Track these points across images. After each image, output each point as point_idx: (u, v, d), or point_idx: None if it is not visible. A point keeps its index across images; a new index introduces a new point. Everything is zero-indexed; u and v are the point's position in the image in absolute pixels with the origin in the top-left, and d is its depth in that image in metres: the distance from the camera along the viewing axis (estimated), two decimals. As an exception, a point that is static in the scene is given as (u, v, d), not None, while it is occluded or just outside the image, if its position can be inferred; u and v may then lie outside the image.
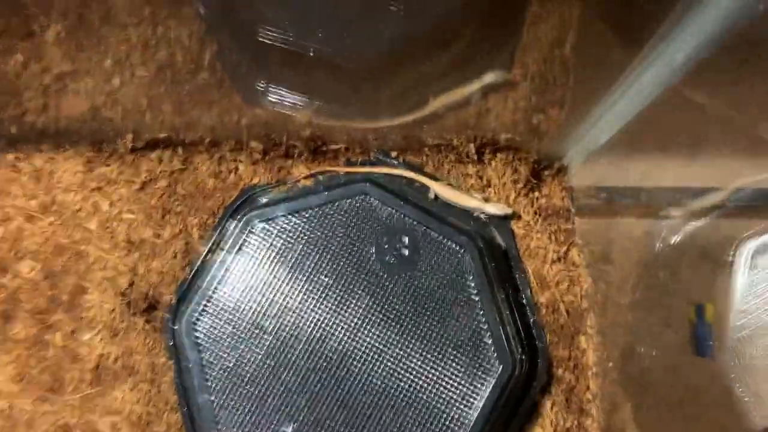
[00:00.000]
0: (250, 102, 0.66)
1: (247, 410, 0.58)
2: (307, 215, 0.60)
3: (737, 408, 0.66)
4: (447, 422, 0.57)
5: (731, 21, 0.39)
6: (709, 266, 0.67)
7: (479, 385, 0.57)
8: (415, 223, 0.60)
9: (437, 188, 0.64)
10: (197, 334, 0.59)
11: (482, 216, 0.64)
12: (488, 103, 0.65)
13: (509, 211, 0.63)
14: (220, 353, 0.59)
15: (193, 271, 0.63)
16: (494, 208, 0.63)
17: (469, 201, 0.63)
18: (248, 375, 0.58)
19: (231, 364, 0.58)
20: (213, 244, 0.63)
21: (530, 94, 0.66)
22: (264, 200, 0.63)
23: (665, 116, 0.57)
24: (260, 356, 0.58)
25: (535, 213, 0.66)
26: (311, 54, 0.60)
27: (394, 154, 0.66)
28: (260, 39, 0.60)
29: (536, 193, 0.67)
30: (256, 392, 0.58)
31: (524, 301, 0.63)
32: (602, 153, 0.65)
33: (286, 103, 0.65)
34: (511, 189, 0.66)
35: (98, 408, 0.63)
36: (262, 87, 0.65)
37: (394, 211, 0.60)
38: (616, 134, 0.59)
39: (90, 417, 0.63)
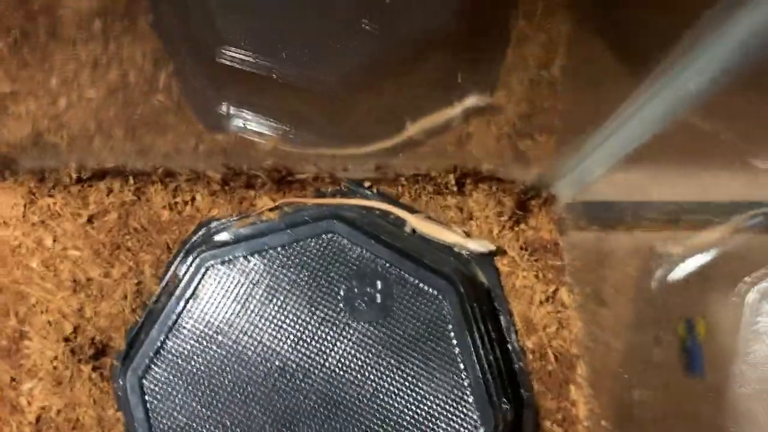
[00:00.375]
0: (211, 127, 0.60)
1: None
2: (268, 256, 0.54)
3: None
4: (423, 487, 0.51)
5: (755, 45, 0.34)
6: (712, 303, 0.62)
7: (458, 447, 0.52)
8: (387, 265, 0.54)
9: (414, 222, 0.58)
10: (146, 389, 0.53)
11: (464, 252, 0.58)
12: (470, 128, 0.60)
13: (492, 247, 0.57)
14: (171, 410, 0.53)
15: (145, 315, 0.57)
16: (476, 245, 0.57)
17: (449, 236, 0.58)
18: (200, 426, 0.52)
19: (182, 423, 0.52)
20: (167, 285, 0.58)
21: (515, 118, 0.61)
22: (222, 237, 0.57)
23: (671, 146, 0.52)
24: (215, 414, 0.52)
25: (521, 248, 0.61)
26: (274, 77, 0.54)
27: (367, 184, 0.60)
28: (219, 60, 0.54)
29: (522, 225, 0.62)
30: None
31: (509, 346, 0.58)
32: (596, 183, 0.60)
33: (251, 129, 0.59)
34: (494, 222, 0.60)
35: (38, 466, 0.57)
36: (223, 111, 0.60)
37: (364, 251, 0.54)
38: (613, 165, 0.54)
39: (29, 476, 0.57)
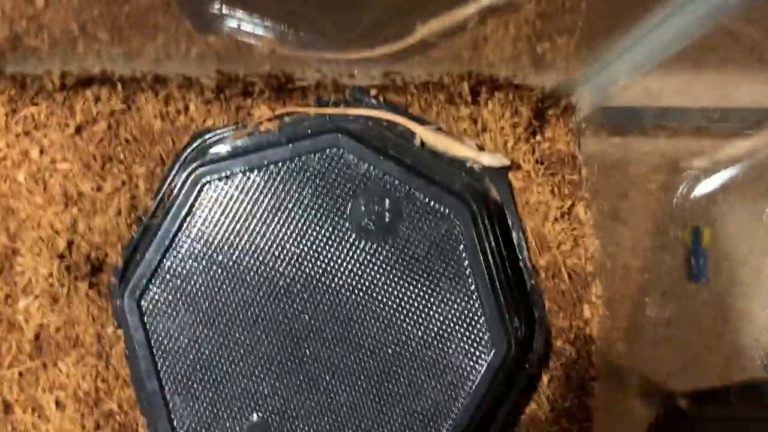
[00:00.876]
0: (202, 28, 0.55)
1: (203, 398, 0.51)
2: (269, 172, 0.51)
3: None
4: (435, 407, 0.51)
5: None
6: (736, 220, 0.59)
7: (470, 368, 0.50)
8: (396, 182, 0.50)
9: (424, 134, 0.54)
10: (144, 310, 0.51)
11: (476, 167, 0.55)
12: (486, 29, 0.55)
13: (507, 162, 0.54)
14: (172, 332, 0.51)
15: (140, 232, 0.55)
16: (490, 159, 0.54)
17: (462, 149, 0.54)
18: (204, 357, 0.51)
19: (184, 345, 0.51)
20: (162, 200, 0.55)
21: (535, 18, 0.56)
22: (219, 150, 0.53)
23: (705, 52, 0.48)
24: (217, 335, 0.51)
25: (537, 161, 0.57)
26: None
27: (373, 92, 0.56)
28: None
29: (538, 137, 0.58)
30: (214, 377, 0.51)
31: (521, 264, 0.55)
32: (619, 91, 0.55)
33: (245, 30, 0.54)
34: (509, 134, 0.56)
35: (40, 383, 0.56)
36: (215, 10, 0.54)
37: (371, 167, 0.50)
38: (640, 72, 0.50)
39: (32, 392, 0.56)
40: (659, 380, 0.61)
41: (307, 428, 0.51)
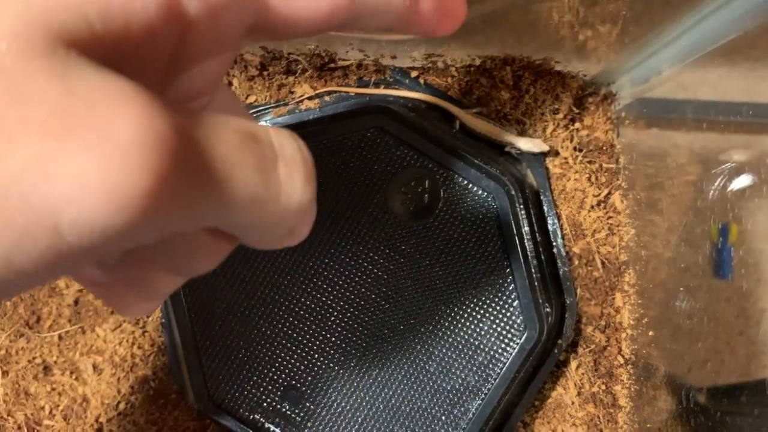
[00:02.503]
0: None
1: (239, 366, 0.52)
2: (308, 149, 0.51)
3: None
4: (464, 386, 0.51)
5: None
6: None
7: (501, 350, 0.51)
8: (435, 163, 0.51)
9: (464, 117, 0.54)
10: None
11: (514, 151, 0.55)
12: (530, 15, 0.55)
13: (546, 148, 0.54)
14: (208, 300, 0.52)
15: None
16: (529, 144, 0.54)
17: (501, 134, 0.54)
18: (240, 326, 0.52)
19: (220, 313, 0.52)
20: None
21: (579, 5, 0.55)
22: (261, 126, 0.54)
23: (756, 43, 0.47)
24: (253, 305, 0.52)
25: (575, 149, 0.57)
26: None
27: (414, 74, 0.56)
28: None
29: (577, 125, 0.58)
30: (249, 347, 0.52)
31: (555, 250, 0.56)
32: (661, 81, 0.55)
33: (290, 7, 0.54)
34: (549, 120, 0.56)
35: (78, 347, 0.58)
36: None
37: (411, 149, 0.51)
38: (685, 63, 0.49)
39: (70, 356, 0.58)
40: (681, 372, 0.61)
41: (339, 401, 0.52)
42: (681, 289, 0.57)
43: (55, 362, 0.58)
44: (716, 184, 0.59)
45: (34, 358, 0.57)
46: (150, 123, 0.14)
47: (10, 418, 0.57)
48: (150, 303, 0.24)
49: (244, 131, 0.18)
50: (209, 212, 0.17)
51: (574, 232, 0.56)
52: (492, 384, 0.51)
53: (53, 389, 0.57)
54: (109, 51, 0.16)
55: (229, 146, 0.17)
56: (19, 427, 0.57)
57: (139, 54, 0.17)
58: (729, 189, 0.59)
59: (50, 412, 0.57)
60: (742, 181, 0.59)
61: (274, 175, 0.19)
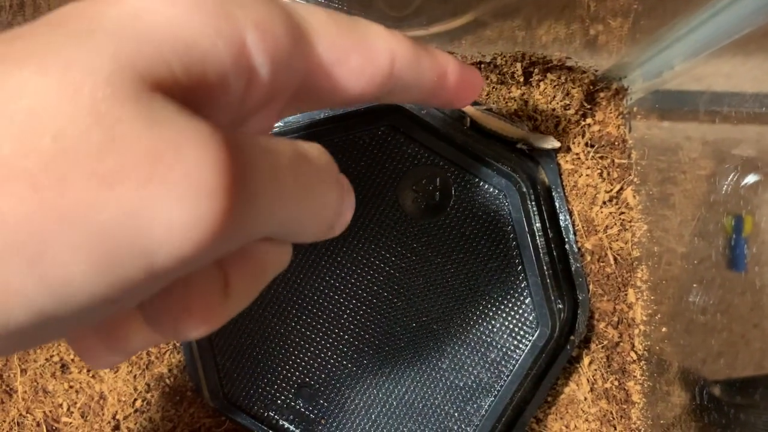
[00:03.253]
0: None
1: (254, 364, 0.53)
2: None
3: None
4: (477, 383, 0.51)
5: None
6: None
7: (514, 347, 0.51)
8: (447, 161, 0.51)
9: (475, 114, 0.54)
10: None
11: (525, 148, 0.55)
12: (540, 10, 0.54)
13: (557, 144, 0.54)
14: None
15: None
16: (540, 140, 0.54)
17: (512, 130, 0.54)
18: (255, 324, 0.53)
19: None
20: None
21: (590, 0, 0.55)
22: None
23: (758, 38, 0.47)
24: (267, 303, 0.52)
25: (586, 144, 0.57)
26: (328, -53, 0.49)
27: (425, 71, 0.56)
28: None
29: (589, 120, 0.58)
30: (264, 344, 0.53)
31: (567, 246, 0.55)
32: (675, 75, 0.55)
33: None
34: (560, 116, 0.56)
35: (95, 345, 0.58)
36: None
37: (422, 146, 0.51)
38: (697, 57, 0.49)
39: (87, 354, 0.58)
40: (695, 367, 0.61)
41: (352, 398, 0.52)
42: (694, 284, 0.57)
43: (73, 360, 0.58)
44: (730, 177, 0.59)
45: (51, 357, 0.58)
46: (224, 166, 0.16)
47: (29, 415, 0.58)
48: (117, 357, 0.25)
49: (294, 151, 0.21)
50: (264, 228, 0.20)
51: (586, 228, 0.56)
52: (505, 381, 0.51)
53: (71, 387, 0.58)
54: (186, 95, 0.18)
55: (284, 170, 0.20)
56: (38, 425, 0.58)
57: (212, 99, 0.19)
58: (743, 182, 0.59)
59: (68, 410, 0.58)
60: (757, 173, 0.58)
61: (320, 188, 0.22)
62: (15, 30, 0.16)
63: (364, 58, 0.24)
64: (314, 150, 0.23)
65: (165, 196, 0.15)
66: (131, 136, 0.15)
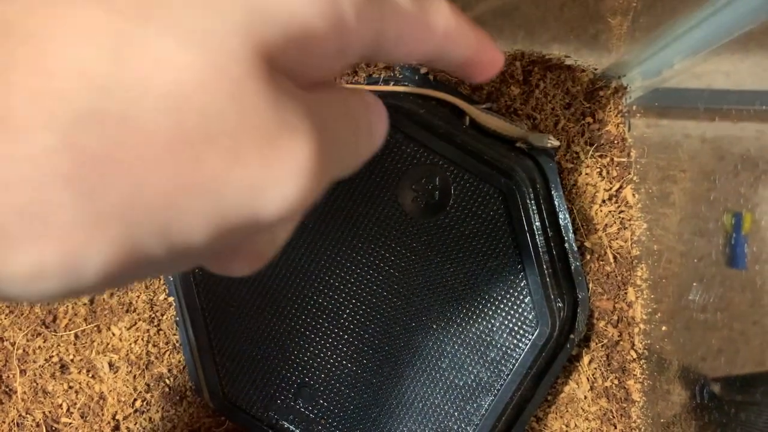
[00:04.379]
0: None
1: (253, 364, 0.53)
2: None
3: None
4: (477, 382, 0.51)
5: None
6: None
7: (513, 346, 0.51)
8: (446, 161, 0.51)
9: (474, 113, 0.54)
10: (197, 278, 0.53)
11: (524, 147, 0.55)
12: (540, 9, 0.54)
13: (557, 143, 0.54)
14: (222, 299, 0.53)
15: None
16: (539, 139, 0.53)
17: (511, 129, 0.54)
18: (253, 324, 0.52)
19: (234, 311, 0.52)
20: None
21: (589, -3, 0.55)
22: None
23: (757, 35, 0.47)
24: (266, 304, 0.52)
25: (586, 143, 0.57)
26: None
27: (423, 70, 0.56)
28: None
29: (588, 119, 0.58)
30: (263, 345, 0.52)
31: (567, 245, 0.55)
32: (674, 74, 0.54)
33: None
34: (560, 114, 0.56)
35: (95, 345, 0.58)
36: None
37: (421, 145, 0.51)
38: (698, 55, 0.49)
39: (86, 354, 0.58)
40: (695, 365, 0.61)
41: (352, 398, 0.52)
42: (694, 282, 0.57)
43: (72, 361, 0.58)
44: (729, 174, 0.59)
45: (51, 357, 0.58)
46: (318, 150, 0.19)
47: (28, 416, 0.58)
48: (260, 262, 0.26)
49: (360, 101, 0.23)
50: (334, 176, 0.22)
51: (585, 227, 0.56)
52: (504, 380, 0.51)
53: (70, 387, 0.58)
54: (290, 68, 0.19)
55: (355, 130, 0.22)
56: (38, 425, 0.58)
57: (307, 71, 0.20)
58: (743, 179, 0.59)
59: (68, 410, 0.58)
60: (756, 171, 0.58)
61: (369, 129, 0.24)
62: None
63: (420, 31, 0.24)
64: (370, 98, 0.24)
65: (279, 174, 0.18)
66: (260, 117, 0.17)
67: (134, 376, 0.58)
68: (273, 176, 0.17)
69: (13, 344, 0.58)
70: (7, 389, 0.58)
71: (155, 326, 0.58)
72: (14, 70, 0.15)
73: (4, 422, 0.57)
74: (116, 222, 0.16)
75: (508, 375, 0.51)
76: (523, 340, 0.51)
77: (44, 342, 0.58)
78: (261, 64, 0.17)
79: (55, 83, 0.15)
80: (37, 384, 0.58)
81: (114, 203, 0.16)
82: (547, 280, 0.51)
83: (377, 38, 0.23)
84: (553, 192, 0.55)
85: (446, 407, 0.52)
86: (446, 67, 0.28)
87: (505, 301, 0.51)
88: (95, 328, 0.58)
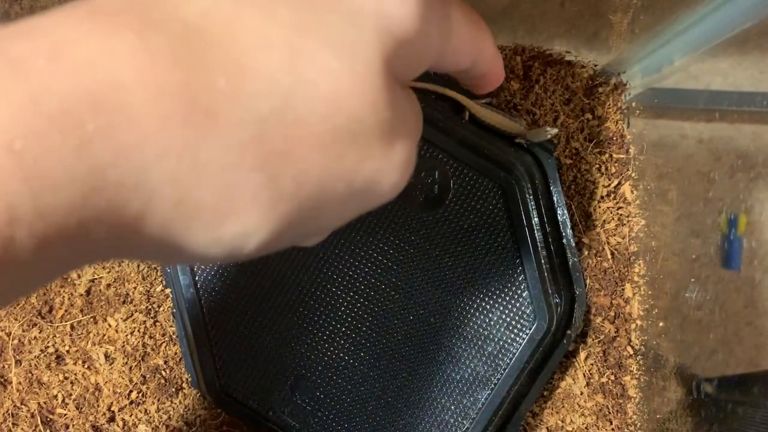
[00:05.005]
0: None
1: (250, 356, 0.52)
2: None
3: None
4: (474, 376, 0.52)
5: None
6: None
7: (511, 340, 0.51)
8: (446, 154, 0.51)
9: (473, 108, 0.54)
10: (195, 269, 0.53)
11: (524, 142, 0.55)
12: (541, 5, 0.55)
13: (555, 131, 0.54)
14: (220, 291, 0.52)
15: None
16: (537, 135, 0.53)
17: (510, 124, 0.54)
18: (250, 316, 0.52)
19: (231, 304, 0.52)
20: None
21: (590, -7, 0.55)
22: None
23: (755, 35, 0.47)
24: (264, 296, 0.52)
25: (585, 139, 0.57)
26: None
27: (424, 64, 0.56)
28: None
29: (587, 115, 0.58)
30: (260, 336, 0.52)
31: (564, 241, 0.55)
32: (674, 71, 0.55)
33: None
34: (559, 110, 0.56)
35: (91, 336, 0.58)
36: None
37: (421, 139, 0.51)
38: (698, 52, 0.49)
39: (82, 345, 0.58)
40: (691, 362, 0.61)
41: (349, 391, 0.52)
42: (691, 280, 0.57)
43: (68, 351, 0.58)
44: (725, 175, 0.59)
45: (46, 348, 0.58)
46: (414, 144, 0.23)
47: (23, 406, 0.58)
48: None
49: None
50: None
51: (583, 223, 0.56)
52: (501, 374, 0.51)
53: (66, 378, 0.58)
54: (401, 76, 0.23)
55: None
56: (33, 416, 0.57)
57: (405, 71, 0.24)
58: (738, 180, 0.59)
59: (63, 401, 0.57)
60: (748, 173, 0.59)
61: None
62: None
63: (470, 47, 0.28)
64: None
65: (391, 166, 0.22)
66: (385, 120, 0.21)
67: (130, 368, 0.58)
68: (387, 168, 0.22)
69: (8, 335, 0.58)
70: (2, 380, 0.58)
71: (152, 318, 0.58)
72: (213, 70, 0.18)
73: (-2, 412, 0.57)
74: (286, 201, 0.20)
75: (505, 369, 0.51)
76: (521, 334, 0.51)
77: (40, 333, 0.58)
78: (387, 72, 0.21)
79: (248, 84, 0.18)
80: (33, 375, 0.58)
81: (286, 187, 0.20)
82: (545, 275, 0.51)
83: (444, 50, 0.27)
84: (551, 187, 0.55)
85: (443, 401, 0.52)
86: (463, 77, 0.32)
87: (503, 295, 0.51)
88: (91, 319, 0.58)
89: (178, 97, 0.17)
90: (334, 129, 0.20)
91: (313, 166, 0.20)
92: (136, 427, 0.57)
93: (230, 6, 0.19)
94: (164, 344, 0.58)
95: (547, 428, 0.56)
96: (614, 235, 0.56)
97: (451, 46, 0.27)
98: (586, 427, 0.56)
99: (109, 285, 0.58)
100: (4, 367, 0.58)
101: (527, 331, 0.51)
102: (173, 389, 0.57)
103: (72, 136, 0.16)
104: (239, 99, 0.18)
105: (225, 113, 0.18)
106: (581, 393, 0.56)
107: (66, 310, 0.58)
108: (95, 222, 0.17)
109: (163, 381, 0.58)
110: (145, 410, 0.57)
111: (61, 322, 0.58)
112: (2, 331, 0.58)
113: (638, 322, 0.55)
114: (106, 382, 0.58)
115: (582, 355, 0.56)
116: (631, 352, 0.55)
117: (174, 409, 0.57)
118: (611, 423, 0.55)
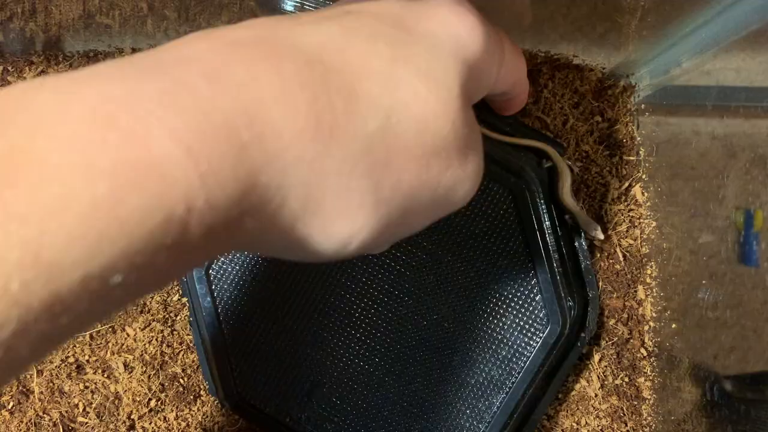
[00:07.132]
0: (265, 6, 0.56)
1: (267, 363, 0.53)
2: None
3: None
4: (488, 380, 0.52)
5: None
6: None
7: (524, 344, 0.51)
8: (456, 160, 0.51)
9: (564, 191, 0.54)
10: (212, 278, 0.53)
11: (534, 146, 0.55)
12: (548, 8, 0.55)
13: (601, 236, 0.53)
14: (236, 299, 0.53)
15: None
16: (588, 227, 0.52)
17: (586, 220, 0.53)
18: (267, 324, 0.53)
19: (248, 312, 0.53)
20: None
21: (597, -4, 0.55)
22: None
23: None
24: (280, 303, 0.53)
25: (595, 141, 0.57)
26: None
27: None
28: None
29: (597, 118, 0.58)
30: (276, 344, 0.53)
31: (576, 244, 0.56)
32: (682, 72, 0.55)
33: (308, 8, 0.55)
34: (569, 113, 0.56)
35: (110, 345, 0.59)
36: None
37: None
38: (706, 54, 0.49)
39: (101, 354, 0.59)
40: (706, 362, 0.61)
41: (365, 396, 0.53)
42: (704, 279, 0.57)
43: (88, 361, 0.59)
44: (740, 171, 0.59)
45: (67, 357, 0.59)
46: (482, 159, 0.28)
47: (45, 415, 0.59)
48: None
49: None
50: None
51: (595, 226, 0.56)
52: (516, 378, 0.51)
53: (86, 387, 0.59)
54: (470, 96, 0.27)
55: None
56: (55, 425, 0.58)
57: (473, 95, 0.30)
58: (754, 176, 0.59)
59: (84, 410, 0.59)
60: (762, 168, 0.58)
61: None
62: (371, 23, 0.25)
63: (514, 74, 0.34)
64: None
65: (465, 176, 0.26)
66: (463, 137, 0.25)
67: (149, 376, 0.59)
68: (463, 176, 0.26)
69: (29, 345, 0.59)
70: (25, 389, 0.59)
71: (169, 327, 0.58)
72: (333, 93, 0.22)
73: (21, 422, 0.58)
74: (384, 205, 0.23)
75: (519, 373, 0.51)
76: (534, 338, 0.51)
77: (60, 343, 0.59)
78: (463, 95, 0.25)
79: (359, 106, 0.22)
80: (54, 384, 0.59)
81: (385, 193, 0.23)
82: (558, 278, 0.51)
83: (499, 76, 0.31)
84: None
85: (458, 405, 0.52)
86: (495, 98, 0.38)
87: (515, 299, 0.52)
88: (110, 329, 0.59)
89: (307, 115, 0.21)
90: (423, 143, 0.24)
91: (407, 174, 0.24)
92: (156, 434, 0.58)
93: (341, 39, 0.23)
94: (182, 352, 0.59)
95: (562, 431, 0.56)
96: (626, 237, 0.56)
97: (502, 73, 0.31)
98: (601, 429, 0.56)
99: (126, 295, 0.59)
100: (26, 377, 0.59)
101: (541, 335, 0.51)
102: (191, 397, 0.58)
103: (234, 143, 0.19)
104: (353, 118, 0.22)
105: (343, 130, 0.22)
106: (596, 395, 0.56)
107: (85, 321, 0.59)
108: (248, 216, 0.21)
109: (181, 389, 0.59)
110: (164, 417, 0.58)
111: (81, 332, 0.59)
112: (24, 341, 0.59)
113: (651, 323, 0.55)
114: (125, 390, 0.59)
115: (596, 357, 0.56)
116: (645, 354, 0.56)
117: (192, 416, 0.58)
118: (626, 425, 0.55)
